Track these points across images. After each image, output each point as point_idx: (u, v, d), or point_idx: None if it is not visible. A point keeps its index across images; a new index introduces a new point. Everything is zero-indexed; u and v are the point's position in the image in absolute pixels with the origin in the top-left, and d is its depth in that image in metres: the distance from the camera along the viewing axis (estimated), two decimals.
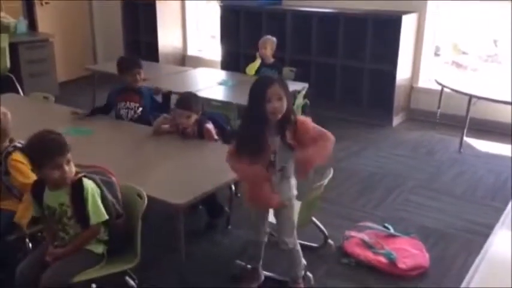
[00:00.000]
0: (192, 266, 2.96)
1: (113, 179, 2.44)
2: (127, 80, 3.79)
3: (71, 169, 2.27)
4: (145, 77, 4.02)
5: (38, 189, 2.35)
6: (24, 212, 2.54)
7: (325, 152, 2.42)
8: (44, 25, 7.05)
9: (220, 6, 6.54)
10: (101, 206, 2.29)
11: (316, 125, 2.46)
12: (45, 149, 2.23)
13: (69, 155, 2.26)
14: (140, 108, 3.76)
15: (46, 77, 6.47)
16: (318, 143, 2.41)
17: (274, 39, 5.08)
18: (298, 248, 2.74)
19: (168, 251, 3.13)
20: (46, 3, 7.12)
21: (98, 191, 2.31)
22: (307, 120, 2.46)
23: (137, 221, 2.41)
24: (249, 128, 2.46)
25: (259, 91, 2.39)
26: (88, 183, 2.28)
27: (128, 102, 3.78)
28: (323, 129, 2.45)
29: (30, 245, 2.72)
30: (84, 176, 2.30)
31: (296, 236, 2.70)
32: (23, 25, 6.65)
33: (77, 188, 2.27)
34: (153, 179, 2.80)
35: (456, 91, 4.92)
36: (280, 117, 2.39)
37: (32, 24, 6.96)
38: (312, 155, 2.39)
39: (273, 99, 2.36)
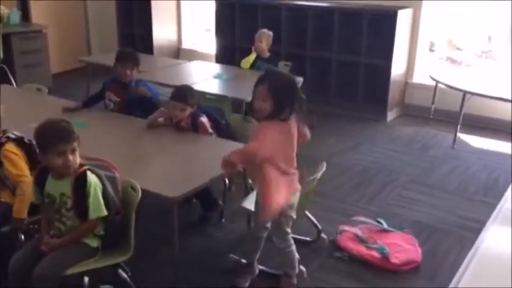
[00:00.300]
0: (185, 259, 2.95)
1: (116, 174, 2.43)
2: (118, 71, 3.75)
3: (75, 159, 2.27)
4: (140, 69, 3.99)
5: (41, 175, 2.35)
6: (21, 205, 2.53)
7: (241, 151, 2.47)
8: (37, 16, 6.99)
9: (216, 0, 6.51)
10: (102, 201, 2.29)
11: (261, 135, 2.43)
12: (50, 135, 2.24)
13: (75, 145, 2.26)
14: (120, 102, 3.73)
15: (39, 68, 6.43)
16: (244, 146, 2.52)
17: (271, 33, 5.07)
18: (293, 248, 2.73)
19: (161, 244, 3.13)
20: None
21: (100, 185, 2.31)
22: (265, 126, 2.45)
23: (131, 214, 2.41)
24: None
25: (254, 86, 2.46)
26: (92, 177, 2.28)
27: (112, 94, 3.77)
28: (252, 141, 2.47)
29: (23, 237, 2.71)
30: (89, 169, 2.30)
31: (290, 239, 2.70)
32: (16, 16, 6.60)
33: (80, 181, 2.27)
34: (147, 172, 2.80)
35: (450, 87, 4.93)
36: (264, 115, 2.42)
37: (26, 15, 6.90)
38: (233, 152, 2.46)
39: (257, 98, 2.42)
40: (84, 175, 2.28)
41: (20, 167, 2.58)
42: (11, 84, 5.65)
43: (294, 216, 2.64)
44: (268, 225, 2.76)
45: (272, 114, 2.41)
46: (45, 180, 2.34)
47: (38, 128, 2.30)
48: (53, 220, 2.36)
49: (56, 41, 7.08)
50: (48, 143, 2.23)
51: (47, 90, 4.24)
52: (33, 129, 2.33)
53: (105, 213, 2.31)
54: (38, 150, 2.36)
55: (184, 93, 3.30)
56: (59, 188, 2.31)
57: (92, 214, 2.29)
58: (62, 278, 2.25)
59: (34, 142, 2.63)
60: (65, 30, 7.38)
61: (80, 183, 2.27)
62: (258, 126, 2.50)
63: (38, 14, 7.01)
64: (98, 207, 2.29)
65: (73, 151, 2.26)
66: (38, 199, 2.40)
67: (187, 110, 3.26)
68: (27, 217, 2.58)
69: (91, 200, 2.27)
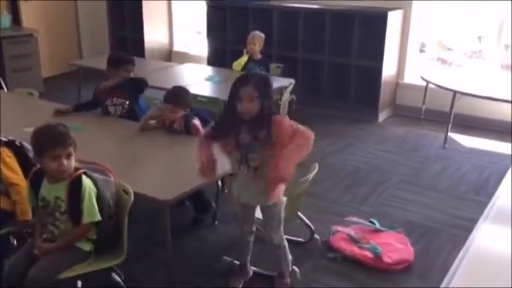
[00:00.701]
0: (178, 262, 2.96)
1: (112, 178, 2.43)
2: (121, 75, 3.72)
3: (70, 163, 2.27)
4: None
5: (36, 178, 2.35)
6: (23, 207, 2.53)
7: (301, 149, 2.39)
8: (28, 20, 6.97)
9: (207, 2, 6.51)
10: (96, 206, 2.30)
11: (294, 123, 2.43)
12: (47, 139, 2.24)
13: (71, 149, 2.26)
14: (127, 102, 3.72)
15: (30, 72, 6.41)
16: (295, 141, 2.37)
17: (263, 35, 5.08)
18: (285, 244, 2.76)
19: (154, 246, 3.13)
20: None
21: (95, 190, 2.31)
22: (283, 120, 2.44)
23: (124, 217, 2.41)
24: (224, 120, 2.54)
25: (234, 89, 2.43)
26: (87, 182, 2.29)
27: (115, 99, 3.75)
28: (300, 127, 2.41)
29: (15, 241, 2.70)
30: (84, 173, 2.31)
31: (283, 233, 2.72)
32: (6, 20, 6.58)
33: (75, 185, 2.27)
34: (140, 175, 2.80)
35: (441, 87, 4.97)
36: (251, 116, 2.41)
37: (16, 19, 6.88)
38: (287, 154, 2.35)
39: (244, 100, 2.38)
40: (79, 179, 2.28)
41: (15, 169, 2.59)
42: (1, 88, 5.62)
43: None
44: (254, 229, 2.78)
45: (260, 112, 2.40)
46: (40, 184, 2.34)
47: (35, 131, 2.30)
48: (47, 223, 2.36)
49: (47, 44, 7.06)
50: (43, 147, 2.23)
51: (38, 95, 4.23)
52: (27, 133, 2.33)
53: (99, 218, 2.31)
54: (33, 153, 2.36)
55: (173, 95, 3.30)
56: (54, 191, 2.31)
57: (86, 219, 2.29)
58: (56, 282, 2.25)
59: (25, 145, 2.64)
60: (56, 33, 7.37)
61: (75, 187, 2.27)
62: (283, 123, 2.42)
63: (29, 17, 6.99)
64: (91, 212, 2.29)
65: (68, 156, 2.26)
66: (32, 202, 2.40)
67: (178, 112, 3.26)
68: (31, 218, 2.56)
69: (85, 204, 2.27)
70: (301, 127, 2.43)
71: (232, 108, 2.42)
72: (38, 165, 2.46)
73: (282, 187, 2.58)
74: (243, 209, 2.70)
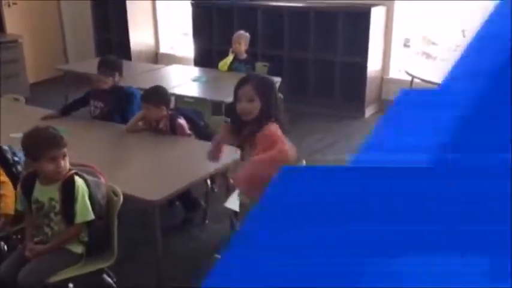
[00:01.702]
0: (169, 261, 2.97)
1: (102, 179, 2.45)
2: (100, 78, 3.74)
3: (65, 164, 2.30)
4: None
5: (28, 182, 2.37)
6: (8, 200, 2.52)
7: (272, 162, 2.15)
8: (12, 26, 6.93)
9: (192, 3, 6.53)
10: (89, 205, 2.32)
11: (279, 136, 2.25)
12: (42, 141, 2.27)
13: (65, 150, 2.29)
14: (106, 109, 3.71)
15: (16, 78, 6.37)
16: (270, 152, 2.20)
17: (248, 34, 5.10)
18: None
19: (145, 247, 3.14)
20: (14, 3, 7.00)
21: (87, 190, 2.33)
22: (271, 127, 2.28)
23: (113, 218, 2.42)
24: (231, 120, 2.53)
25: (235, 89, 2.38)
26: (79, 182, 2.31)
27: (95, 101, 3.76)
28: (281, 141, 2.24)
29: (6, 247, 2.70)
30: (76, 173, 2.33)
31: None
32: None
33: (68, 185, 2.30)
34: (128, 176, 2.81)
35: (425, 81, 5.02)
36: (252, 117, 2.32)
37: (0, 26, 6.85)
38: (256, 163, 2.19)
39: (243, 100, 2.32)
40: (71, 179, 2.31)
41: None
42: None
43: None
44: None
45: (260, 115, 2.32)
46: (32, 187, 2.35)
47: (28, 136, 2.32)
48: (42, 225, 2.37)
49: (32, 50, 7.02)
50: (40, 150, 2.25)
51: (24, 100, 4.22)
52: (14, 139, 2.34)
53: (92, 217, 2.33)
54: (26, 157, 2.38)
55: (147, 94, 3.33)
56: (48, 193, 2.33)
57: (79, 218, 2.31)
58: (46, 284, 2.26)
59: (3, 147, 2.66)
60: (40, 39, 7.33)
61: (68, 187, 2.29)
62: (268, 131, 2.26)
63: (13, 23, 6.96)
64: (84, 212, 2.31)
65: (64, 156, 2.29)
66: (23, 206, 2.41)
67: (153, 110, 3.26)
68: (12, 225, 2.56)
69: (79, 204, 2.29)
70: (283, 142, 2.26)
71: (234, 108, 2.38)
72: (20, 168, 2.49)
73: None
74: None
